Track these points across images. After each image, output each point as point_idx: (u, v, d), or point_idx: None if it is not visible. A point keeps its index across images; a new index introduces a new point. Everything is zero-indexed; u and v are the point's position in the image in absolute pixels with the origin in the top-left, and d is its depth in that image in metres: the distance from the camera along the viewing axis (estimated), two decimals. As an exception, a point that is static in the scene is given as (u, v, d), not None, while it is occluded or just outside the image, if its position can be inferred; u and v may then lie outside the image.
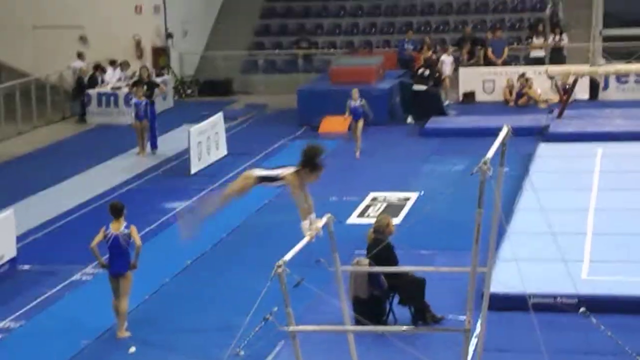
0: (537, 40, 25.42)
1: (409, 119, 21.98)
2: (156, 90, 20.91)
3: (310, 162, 7.75)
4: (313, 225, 7.51)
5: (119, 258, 10.56)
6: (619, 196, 14.54)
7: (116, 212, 10.62)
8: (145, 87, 20.29)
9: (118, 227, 10.55)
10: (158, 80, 22.96)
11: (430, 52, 24.04)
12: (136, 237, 10.55)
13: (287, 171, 7.58)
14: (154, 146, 20.00)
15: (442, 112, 22.01)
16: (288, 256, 7.04)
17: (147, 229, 14.07)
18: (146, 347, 10.24)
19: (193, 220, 7.68)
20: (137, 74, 22.47)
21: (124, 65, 25.20)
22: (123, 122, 22.83)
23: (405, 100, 22.42)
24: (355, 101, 18.83)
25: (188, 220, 7.74)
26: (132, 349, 10.21)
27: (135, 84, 21.03)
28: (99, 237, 10.58)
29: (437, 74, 22.32)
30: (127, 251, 10.57)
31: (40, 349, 10.43)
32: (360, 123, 18.79)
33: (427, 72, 21.76)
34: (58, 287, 12.29)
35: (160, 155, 19.70)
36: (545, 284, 10.59)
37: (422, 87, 21.76)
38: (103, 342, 10.53)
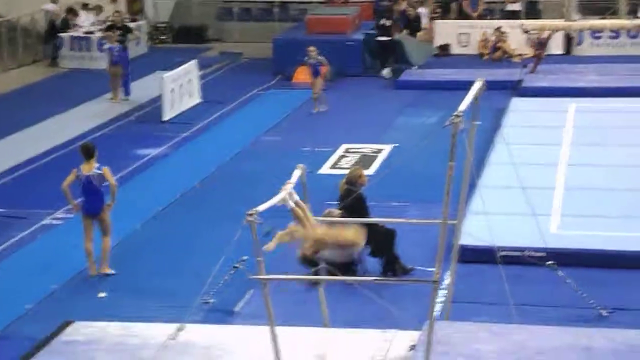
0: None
1: (385, 72, 21.79)
2: (129, 36, 20.70)
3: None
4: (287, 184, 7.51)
5: (92, 198, 10.61)
6: (590, 151, 14.64)
7: (87, 152, 10.66)
8: (118, 32, 20.08)
9: (89, 168, 10.60)
10: (131, 25, 22.71)
11: (404, 4, 23.92)
12: (110, 178, 10.60)
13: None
14: (126, 92, 19.85)
15: (407, 61, 21.85)
16: (262, 207, 7.05)
17: (119, 175, 13.98)
18: (116, 293, 10.25)
19: None
20: (111, 18, 22.23)
21: (97, 10, 24.92)
22: (96, 66, 22.65)
23: (372, 52, 22.28)
24: (313, 59, 18.44)
25: None
26: (102, 294, 10.22)
27: (108, 28, 20.80)
28: (70, 178, 10.61)
29: (411, 23, 22.17)
30: (100, 191, 10.63)
31: (9, 292, 10.41)
32: (319, 80, 18.49)
33: (388, 23, 21.62)
34: (28, 231, 12.25)
35: (133, 102, 19.57)
36: (515, 237, 10.68)
37: (385, 38, 21.62)
38: (73, 286, 10.53)
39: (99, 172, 10.58)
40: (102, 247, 10.75)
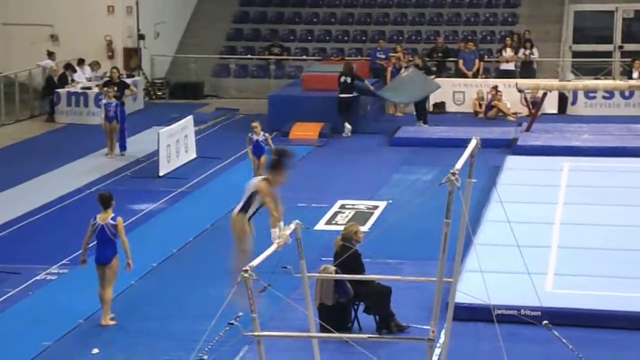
0: (506, 54, 25.62)
1: (346, 130, 21.65)
2: (126, 91, 20.82)
3: (277, 163, 7.79)
4: (282, 233, 7.53)
5: (104, 247, 10.78)
6: (584, 210, 14.67)
7: (103, 202, 10.88)
8: (115, 87, 20.20)
9: (105, 218, 10.79)
10: (129, 81, 22.86)
11: (400, 61, 24.17)
12: (122, 233, 10.77)
13: (255, 180, 7.59)
14: (122, 147, 19.91)
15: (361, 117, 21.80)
16: (255, 262, 7.04)
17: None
18: (109, 349, 10.19)
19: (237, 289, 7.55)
20: (108, 74, 22.38)
21: (94, 65, 25.11)
22: (92, 122, 22.74)
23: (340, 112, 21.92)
24: (258, 135, 16.23)
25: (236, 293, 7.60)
26: (95, 350, 10.16)
27: (105, 84, 20.94)
28: (89, 231, 10.86)
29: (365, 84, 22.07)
30: (112, 241, 10.79)
31: (2, 350, 10.32)
32: (263, 159, 15.72)
33: (348, 80, 21.70)
34: (22, 287, 12.18)
35: (129, 157, 19.62)
36: (510, 296, 10.66)
37: (346, 95, 21.65)
38: (66, 342, 10.46)
39: (113, 222, 10.78)
40: (102, 296, 10.85)
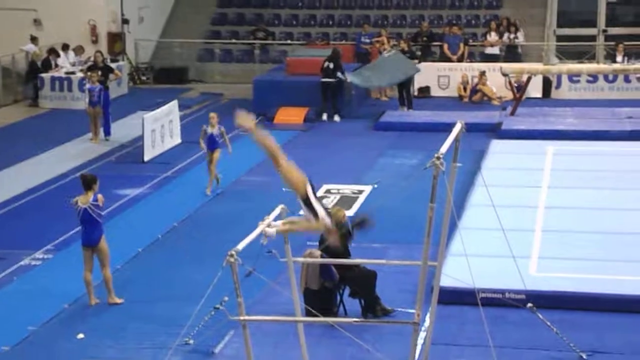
0: (491, 38, 25.63)
1: (324, 116, 21.65)
2: (111, 76, 20.73)
3: (349, 232, 7.85)
4: (274, 224, 7.52)
5: (90, 229, 10.77)
6: (568, 194, 14.74)
7: (86, 184, 10.82)
8: (99, 72, 20.12)
9: (86, 200, 10.74)
10: (113, 65, 22.77)
11: (384, 46, 24.17)
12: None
13: (324, 216, 7.43)
14: (107, 133, 19.84)
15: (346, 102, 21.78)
16: (240, 246, 7.05)
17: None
18: (94, 334, 10.19)
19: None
20: (92, 58, 22.29)
21: (78, 50, 24.98)
22: (76, 107, 22.64)
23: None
24: (213, 128, 15.54)
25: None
26: (81, 335, 10.16)
27: (89, 68, 20.84)
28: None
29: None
30: (97, 222, 10.79)
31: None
32: (217, 154, 15.45)
33: (331, 65, 21.68)
34: (6, 272, 12.16)
35: (113, 142, 19.56)
36: (494, 279, 10.72)
37: (330, 80, 21.62)
38: (51, 328, 10.46)
39: (95, 202, 10.75)
40: (103, 278, 10.93)
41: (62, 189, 16.19)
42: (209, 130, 15.56)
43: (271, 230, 7.38)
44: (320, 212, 7.39)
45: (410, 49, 23.50)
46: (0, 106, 23.56)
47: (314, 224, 7.40)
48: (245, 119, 7.49)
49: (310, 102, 21.88)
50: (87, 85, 19.74)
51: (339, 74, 21.59)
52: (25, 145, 19.29)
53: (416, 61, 23.11)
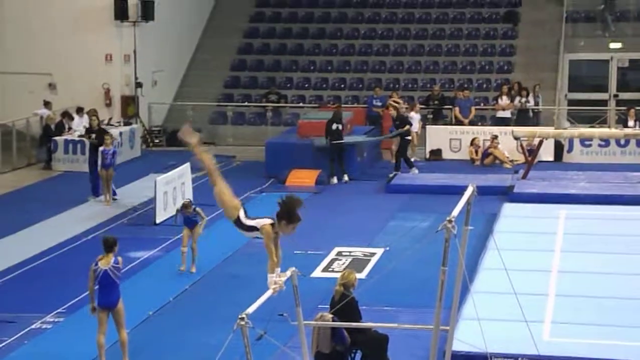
0: (502, 102, 25.75)
1: (334, 179, 21.70)
2: (106, 139, 20.85)
3: (288, 214, 7.80)
4: (278, 279, 7.52)
5: (109, 291, 10.77)
6: (580, 258, 14.65)
7: (108, 246, 10.88)
8: (94, 135, 20.27)
9: (107, 262, 10.79)
10: (117, 130, 22.87)
11: (395, 110, 24.28)
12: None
13: (263, 222, 7.59)
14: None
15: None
16: (251, 309, 7.02)
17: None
18: (104, 398, 10.11)
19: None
20: (105, 121, 22.44)
21: (92, 113, 25.16)
22: (89, 169, 22.72)
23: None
24: (189, 213, 14.88)
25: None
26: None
27: (86, 132, 21.00)
28: (91, 276, 10.83)
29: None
30: (117, 284, 10.81)
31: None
32: (198, 229, 14.86)
33: (340, 127, 21.79)
34: (17, 336, 12.11)
35: (126, 204, 19.61)
36: (507, 344, 10.61)
37: (340, 141, 21.75)
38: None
39: (116, 265, 10.81)
40: (119, 340, 10.89)
41: (74, 251, 16.21)
42: (186, 211, 14.86)
43: (281, 283, 7.42)
44: (258, 221, 7.46)
45: (400, 115, 23.24)
46: (14, 169, 23.71)
47: (265, 235, 7.64)
48: (190, 135, 7.69)
49: (322, 164, 21.96)
50: (100, 148, 19.86)
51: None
52: (37, 208, 19.36)
53: (407, 127, 22.86)
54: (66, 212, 19.11)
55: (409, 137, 22.61)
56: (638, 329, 11.44)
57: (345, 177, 21.82)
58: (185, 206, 15.04)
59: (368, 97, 26.92)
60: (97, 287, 10.85)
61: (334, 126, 21.79)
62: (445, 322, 7.88)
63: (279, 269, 7.60)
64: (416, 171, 22.43)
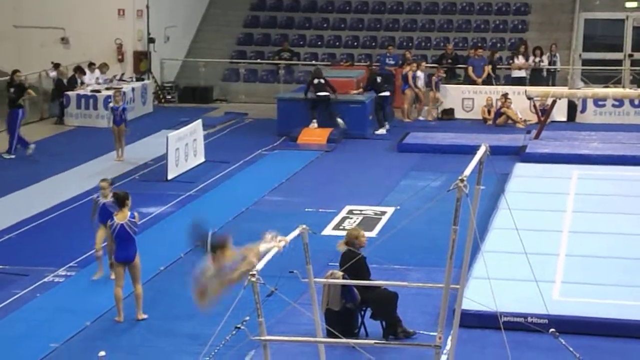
0: (519, 61, 25.59)
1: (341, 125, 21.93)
2: (25, 94, 20.83)
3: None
4: (281, 237, 7.52)
5: (127, 245, 10.91)
6: (592, 219, 14.65)
7: (119, 201, 11.02)
8: (12, 89, 20.29)
9: (123, 217, 10.93)
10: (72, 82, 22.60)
11: (408, 68, 24.22)
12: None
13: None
14: (10, 150, 19.97)
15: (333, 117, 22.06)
16: (261, 265, 7.05)
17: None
18: (115, 351, 10.19)
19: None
20: (117, 77, 22.32)
21: (103, 67, 25.16)
22: (102, 125, 22.79)
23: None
24: (105, 199, 12.14)
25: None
26: (102, 353, 10.14)
27: (20, 87, 20.82)
28: (109, 233, 10.99)
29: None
30: (133, 239, 10.95)
31: (8, 351, 10.35)
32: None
33: (322, 81, 22.01)
34: (29, 289, 12.21)
35: (137, 160, 19.65)
36: (517, 303, 10.65)
37: (323, 94, 21.92)
38: (73, 344, 10.48)
39: (133, 219, 10.94)
40: (135, 294, 11.05)
41: (86, 206, 16.27)
42: (101, 200, 12.32)
43: (286, 240, 7.39)
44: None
45: (376, 83, 23.12)
46: (26, 123, 23.69)
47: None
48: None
49: (334, 122, 21.94)
50: (111, 105, 19.85)
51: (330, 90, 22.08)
52: (50, 162, 19.42)
53: (387, 92, 23.00)
54: (79, 167, 19.16)
55: (386, 94, 22.76)
56: (648, 290, 11.46)
57: (314, 124, 21.89)
58: (102, 188, 12.21)
59: (381, 56, 26.78)
60: (115, 243, 10.98)
61: (315, 81, 22.06)
62: (456, 281, 7.90)
63: (269, 235, 7.57)
64: (384, 131, 22.42)
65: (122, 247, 10.94)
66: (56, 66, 24.72)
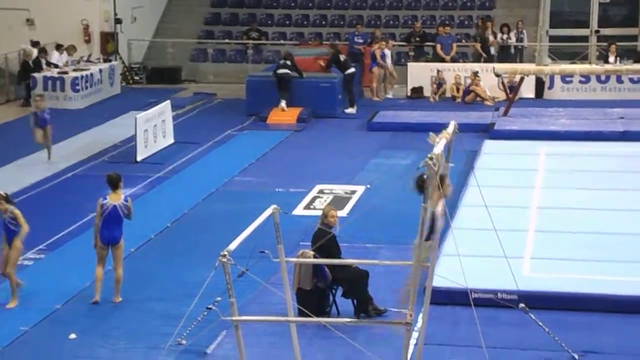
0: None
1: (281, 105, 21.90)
2: None
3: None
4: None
5: (114, 227, 10.92)
6: (560, 194, 14.76)
7: (112, 183, 11.02)
8: None
9: (117, 198, 10.95)
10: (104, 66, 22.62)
11: (377, 46, 24.21)
12: (130, 211, 11.04)
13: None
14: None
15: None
16: (232, 246, 7.04)
17: (91, 215, 13.93)
18: (86, 334, 10.17)
19: None
20: (84, 58, 22.14)
21: (71, 50, 24.94)
22: (69, 106, 22.61)
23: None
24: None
25: None
26: (73, 336, 10.14)
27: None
28: (98, 211, 10.92)
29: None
30: (122, 221, 10.97)
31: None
32: (17, 243, 10.96)
33: (288, 62, 22.08)
34: (-2, 272, 12.11)
35: (106, 142, 19.53)
36: (487, 279, 10.72)
37: (284, 71, 22.01)
38: (43, 327, 10.43)
39: (126, 203, 10.98)
40: (115, 277, 11.02)
41: (54, 188, 16.18)
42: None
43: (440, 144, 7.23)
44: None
45: (338, 60, 23.05)
46: (-8, 106, 23.53)
47: (435, 191, 7.16)
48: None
49: (303, 102, 21.91)
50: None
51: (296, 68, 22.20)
52: (17, 145, 19.23)
53: (352, 70, 22.92)
54: (45, 150, 18.98)
55: (351, 71, 22.75)
56: (616, 263, 11.58)
57: (282, 104, 21.81)
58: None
59: (349, 34, 26.74)
60: (103, 224, 10.91)
61: (282, 61, 22.16)
62: (426, 259, 7.93)
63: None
64: (354, 110, 22.45)
65: (109, 228, 10.92)
66: (34, 44, 24.45)
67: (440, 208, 7.44)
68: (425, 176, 7.05)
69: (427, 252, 7.68)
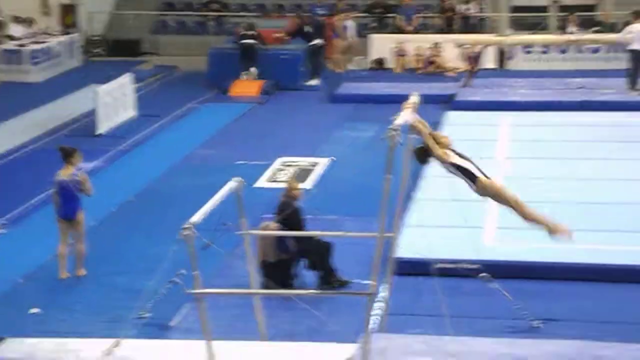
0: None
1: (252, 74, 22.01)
2: None
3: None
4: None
5: (69, 202, 10.72)
6: (522, 164, 14.85)
7: (65, 156, 10.78)
8: None
9: (67, 173, 10.70)
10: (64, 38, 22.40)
11: (338, 17, 24.17)
12: (89, 189, 10.83)
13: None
14: None
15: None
16: (195, 218, 7.01)
17: (51, 190, 13.82)
18: (48, 308, 10.11)
19: None
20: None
21: (29, 22, 24.62)
22: (27, 79, 22.35)
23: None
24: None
25: None
26: (34, 310, 10.07)
27: None
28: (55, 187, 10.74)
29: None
30: (76, 196, 10.74)
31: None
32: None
33: (253, 33, 22.29)
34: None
35: (66, 116, 19.34)
36: (450, 250, 10.77)
37: (250, 41, 22.05)
38: (4, 301, 10.35)
39: (77, 178, 10.70)
40: (76, 251, 10.88)
41: (12, 163, 16.01)
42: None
43: (411, 117, 7.30)
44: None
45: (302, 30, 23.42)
46: (-51, 80, 23.20)
47: (437, 148, 7.79)
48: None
49: (266, 74, 21.83)
50: None
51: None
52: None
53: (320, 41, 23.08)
54: (3, 123, 18.79)
55: (317, 42, 22.87)
56: (577, 232, 11.66)
57: (253, 70, 21.90)
58: None
59: (311, 5, 26.63)
60: (59, 199, 10.77)
61: (246, 32, 22.44)
62: (389, 230, 7.96)
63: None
64: (317, 82, 22.48)
65: (64, 204, 10.79)
66: (16, 19, 24.09)
67: (453, 158, 7.65)
68: (419, 146, 7.29)
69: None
